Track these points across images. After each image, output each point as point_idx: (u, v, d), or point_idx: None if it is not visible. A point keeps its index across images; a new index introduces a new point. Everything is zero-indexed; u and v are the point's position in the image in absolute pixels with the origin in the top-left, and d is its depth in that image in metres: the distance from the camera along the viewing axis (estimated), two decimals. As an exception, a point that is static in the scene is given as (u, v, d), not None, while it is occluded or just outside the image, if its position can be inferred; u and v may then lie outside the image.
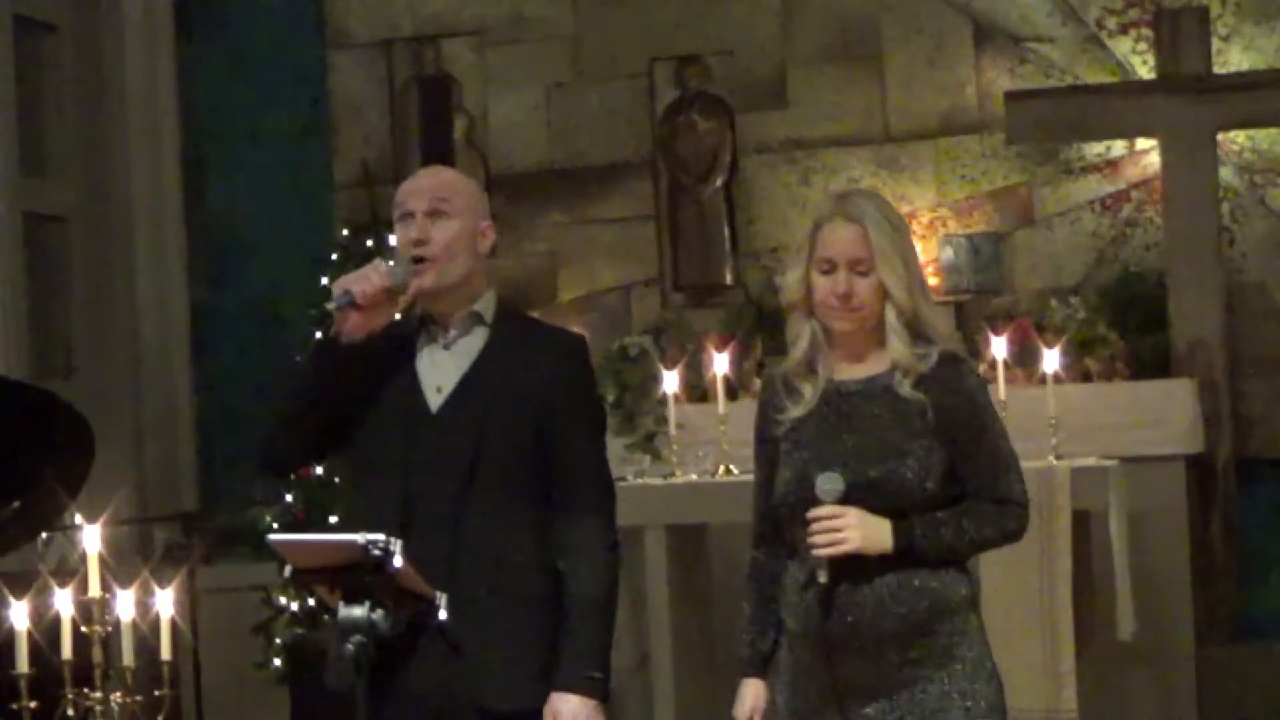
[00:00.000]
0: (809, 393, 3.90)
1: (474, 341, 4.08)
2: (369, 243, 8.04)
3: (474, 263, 4.08)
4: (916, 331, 3.87)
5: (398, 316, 4.10)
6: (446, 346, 4.08)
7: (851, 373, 3.90)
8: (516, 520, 4.00)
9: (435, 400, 4.05)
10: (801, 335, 3.92)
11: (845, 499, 3.76)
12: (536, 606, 4.01)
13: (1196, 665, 7.40)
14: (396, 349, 4.08)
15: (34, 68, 8.52)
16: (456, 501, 3.98)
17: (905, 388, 3.83)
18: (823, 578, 3.76)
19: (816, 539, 3.76)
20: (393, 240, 4.16)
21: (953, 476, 3.84)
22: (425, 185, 4.12)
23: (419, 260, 4.01)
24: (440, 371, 4.07)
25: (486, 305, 4.11)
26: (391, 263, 4.00)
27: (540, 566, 4.03)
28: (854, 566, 3.77)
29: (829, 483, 3.76)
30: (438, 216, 4.04)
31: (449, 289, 4.06)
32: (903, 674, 3.79)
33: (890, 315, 3.84)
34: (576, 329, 8.05)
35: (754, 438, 4.02)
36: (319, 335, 4.08)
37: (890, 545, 3.76)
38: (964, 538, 3.83)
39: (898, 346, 3.85)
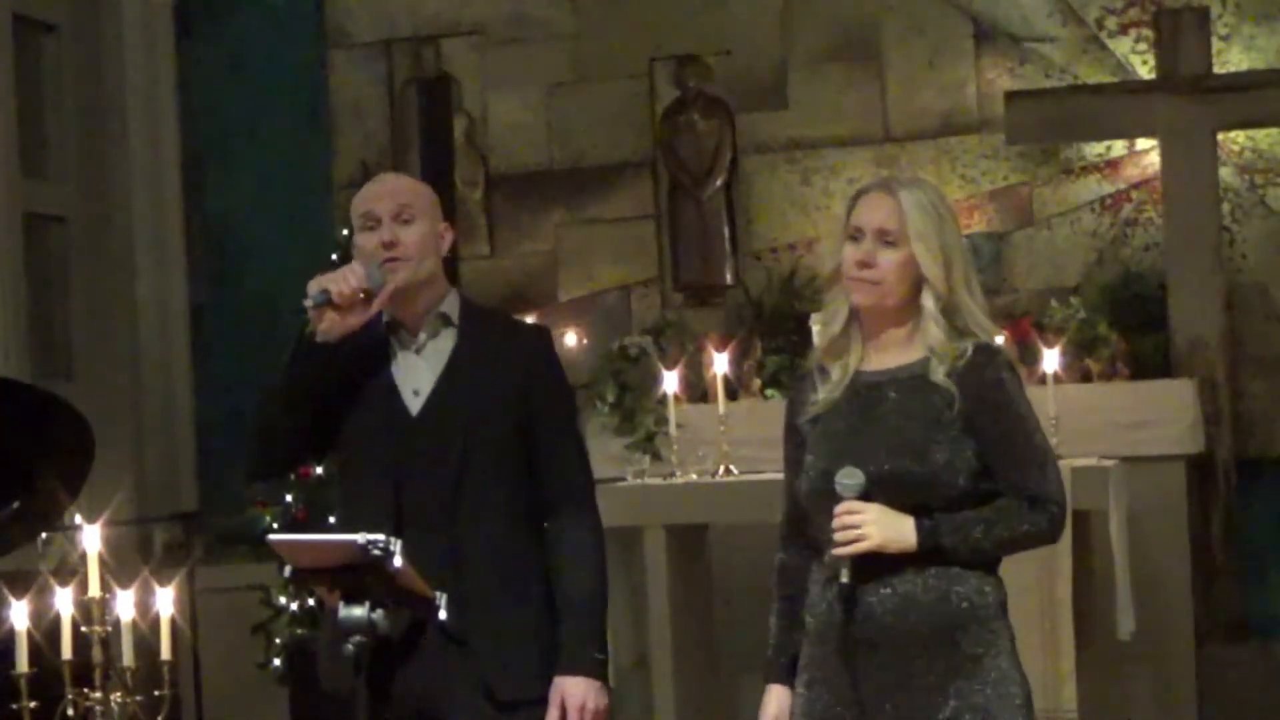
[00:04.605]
0: (837, 376, 3.75)
1: (444, 343, 4.12)
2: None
3: (438, 263, 4.13)
4: (955, 324, 3.70)
5: (381, 316, 4.10)
6: (418, 350, 4.12)
7: (880, 362, 3.74)
8: (510, 514, 4.05)
9: (414, 404, 4.08)
10: (837, 317, 3.77)
11: (867, 494, 3.59)
12: (537, 600, 4.07)
13: (1196, 665, 7.39)
14: (369, 357, 4.09)
15: (34, 68, 8.51)
16: (451, 502, 4.01)
17: (939, 376, 3.66)
18: (844, 577, 3.59)
19: (836, 535, 3.60)
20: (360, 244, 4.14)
21: (986, 472, 3.66)
22: (388, 190, 4.15)
23: (392, 260, 4.04)
24: (415, 375, 4.10)
25: (451, 305, 4.15)
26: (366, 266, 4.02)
27: (535, 559, 4.09)
28: (878, 566, 3.60)
29: (848, 477, 3.60)
30: (404, 220, 4.08)
31: (419, 288, 4.08)
32: (926, 682, 3.62)
33: (927, 301, 3.69)
34: (576, 329, 8.21)
35: (783, 431, 3.84)
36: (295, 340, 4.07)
37: (913, 543, 3.59)
38: (994, 537, 3.64)
39: (935, 333, 3.69)
